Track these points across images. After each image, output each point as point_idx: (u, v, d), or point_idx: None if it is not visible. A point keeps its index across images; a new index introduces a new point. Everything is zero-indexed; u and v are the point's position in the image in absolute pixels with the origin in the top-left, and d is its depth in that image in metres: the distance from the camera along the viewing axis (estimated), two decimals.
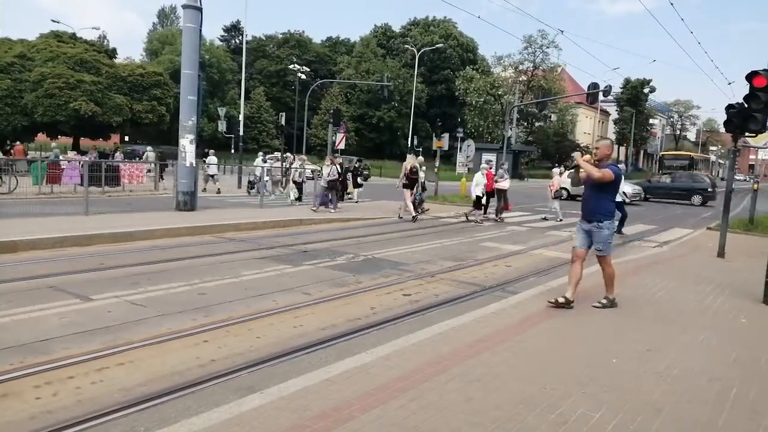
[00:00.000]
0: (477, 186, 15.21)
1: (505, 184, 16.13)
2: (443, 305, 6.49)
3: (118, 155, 29.09)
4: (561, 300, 6.20)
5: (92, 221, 10.83)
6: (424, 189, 16.83)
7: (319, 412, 3.38)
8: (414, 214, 14.95)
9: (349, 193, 19.03)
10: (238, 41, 69.83)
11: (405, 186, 15.18)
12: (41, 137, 40.37)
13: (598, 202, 6.20)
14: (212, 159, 21.76)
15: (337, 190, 16.00)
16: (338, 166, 16.11)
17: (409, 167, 15.33)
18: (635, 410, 3.66)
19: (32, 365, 4.15)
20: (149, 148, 31.03)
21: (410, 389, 3.79)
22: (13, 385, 3.82)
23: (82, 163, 16.04)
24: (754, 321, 6.16)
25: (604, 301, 6.41)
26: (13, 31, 75.84)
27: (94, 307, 5.69)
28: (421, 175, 16.39)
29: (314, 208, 15.22)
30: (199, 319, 5.50)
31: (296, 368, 4.31)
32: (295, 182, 17.80)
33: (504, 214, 16.44)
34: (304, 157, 18.28)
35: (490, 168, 16.27)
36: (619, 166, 6.42)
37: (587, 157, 6.34)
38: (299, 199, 17.46)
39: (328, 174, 15.56)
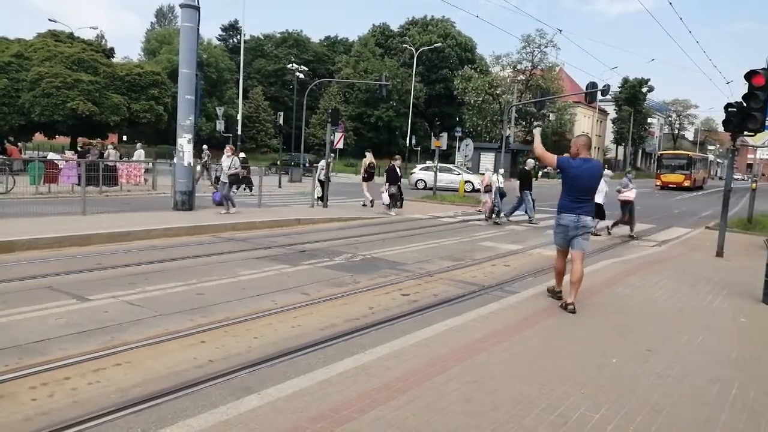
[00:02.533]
0: (599, 193, 13.30)
1: (630, 194, 13.68)
2: (442, 305, 6.47)
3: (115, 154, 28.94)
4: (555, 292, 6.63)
5: (90, 221, 10.79)
6: (503, 195, 15.67)
7: (318, 413, 3.36)
8: (372, 199, 17.05)
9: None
10: (236, 40, 69.68)
11: (364, 179, 17.42)
12: (39, 137, 40.29)
13: None
14: (140, 153, 22.09)
15: (248, 186, 15.29)
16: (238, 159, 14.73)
17: (368, 163, 17.47)
18: (635, 411, 3.65)
19: (28, 366, 4.12)
20: (110, 145, 29.97)
21: (409, 390, 3.77)
22: (9, 386, 3.80)
23: (79, 162, 15.99)
24: (753, 321, 6.15)
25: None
26: (10, 30, 75.73)
27: (91, 308, 5.66)
28: (500, 179, 15.62)
29: (227, 212, 13.17)
30: (196, 319, 5.47)
31: (294, 369, 4.29)
32: (320, 181, 17.05)
33: (627, 228, 13.99)
34: (332, 155, 18.05)
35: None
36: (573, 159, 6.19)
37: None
38: (322, 198, 16.83)
39: (228, 167, 13.64)
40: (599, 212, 13.41)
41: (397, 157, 17.77)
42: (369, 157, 17.80)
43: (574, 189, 6.08)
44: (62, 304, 5.70)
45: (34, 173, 17.05)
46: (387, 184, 16.40)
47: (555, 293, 6.58)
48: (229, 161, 13.71)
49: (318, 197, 16.84)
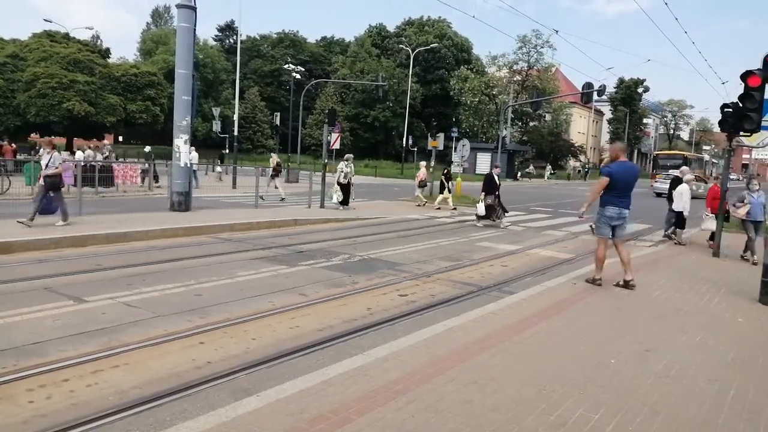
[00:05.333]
0: (679, 201, 12.18)
1: (743, 211, 10.84)
2: (440, 306, 6.47)
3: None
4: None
5: (86, 222, 10.74)
6: None
7: (317, 414, 3.35)
8: (283, 197, 18.45)
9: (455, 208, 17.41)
10: (232, 41, 69.65)
11: (273, 176, 19.25)
12: (34, 137, 40.17)
13: None
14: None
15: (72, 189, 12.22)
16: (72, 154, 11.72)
17: (276, 162, 19.85)
18: (634, 411, 3.65)
19: (26, 368, 4.10)
20: (107, 145, 28.14)
21: (408, 391, 3.76)
22: (6, 389, 3.78)
23: (75, 163, 15.93)
24: (751, 321, 6.18)
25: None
26: (5, 30, 75.58)
27: (88, 309, 5.64)
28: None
29: (25, 221, 9.98)
30: (194, 320, 5.45)
31: (293, 370, 4.28)
32: (339, 184, 16.65)
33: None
34: (350, 156, 17.97)
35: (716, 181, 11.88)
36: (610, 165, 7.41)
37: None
38: (344, 202, 16.60)
39: (46, 166, 10.35)
40: (679, 220, 12.51)
41: (497, 164, 16.40)
42: (275, 157, 20.68)
43: (617, 187, 7.21)
44: (60, 306, 5.67)
45: (29, 174, 16.98)
46: (483, 194, 14.33)
47: (594, 281, 7.42)
48: (48, 158, 10.43)
49: (339, 201, 16.61)
